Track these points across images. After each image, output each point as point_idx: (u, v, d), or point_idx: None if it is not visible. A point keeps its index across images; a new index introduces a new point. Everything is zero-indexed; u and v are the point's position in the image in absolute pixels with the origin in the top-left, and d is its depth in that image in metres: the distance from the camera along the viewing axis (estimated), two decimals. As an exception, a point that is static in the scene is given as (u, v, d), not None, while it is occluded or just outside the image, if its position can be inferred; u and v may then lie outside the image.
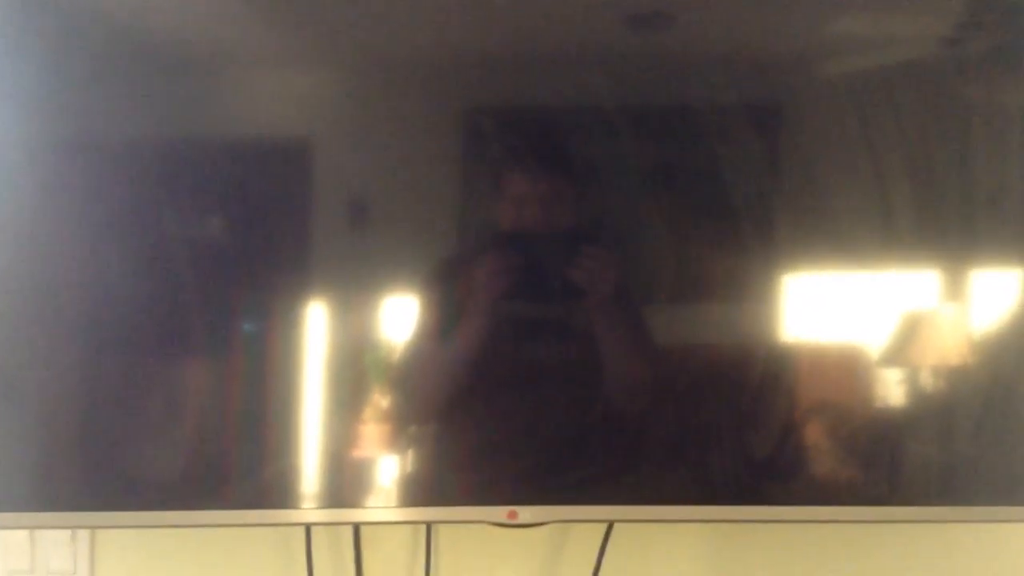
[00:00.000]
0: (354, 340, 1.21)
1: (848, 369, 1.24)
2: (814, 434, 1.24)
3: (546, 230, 1.22)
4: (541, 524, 1.22)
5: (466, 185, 1.23)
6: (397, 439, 1.22)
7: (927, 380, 1.24)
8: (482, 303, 1.21)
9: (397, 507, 1.22)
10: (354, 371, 1.21)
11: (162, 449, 1.20)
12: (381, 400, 1.22)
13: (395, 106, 1.21)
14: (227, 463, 1.21)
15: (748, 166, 1.22)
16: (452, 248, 1.24)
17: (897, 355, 1.23)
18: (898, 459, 1.24)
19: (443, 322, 1.22)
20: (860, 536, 1.37)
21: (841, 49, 1.22)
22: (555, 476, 1.23)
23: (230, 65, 1.21)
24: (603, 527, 1.33)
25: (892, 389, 1.24)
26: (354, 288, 1.21)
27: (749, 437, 1.24)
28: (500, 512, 1.21)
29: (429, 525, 1.35)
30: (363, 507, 1.22)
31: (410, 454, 1.23)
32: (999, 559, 1.37)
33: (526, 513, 1.21)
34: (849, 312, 1.22)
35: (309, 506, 1.20)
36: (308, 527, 1.32)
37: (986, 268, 1.22)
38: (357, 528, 1.34)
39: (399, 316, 1.21)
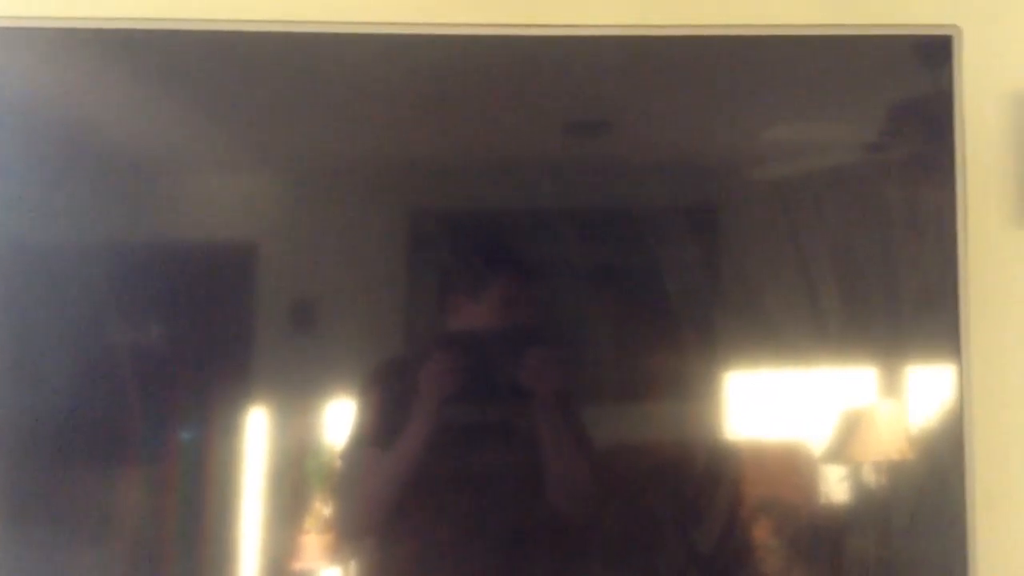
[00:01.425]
0: (295, 446, 1.18)
1: (789, 465, 1.26)
2: (758, 531, 1.24)
3: (491, 331, 1.22)
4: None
5: (411, 288, 1.23)
6: (338, 549, 1.18)
7: (866, 475, 1.26)
8: (427, 406, 1.19)
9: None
10: (295, 478, 1.18)
11: (95, 560, 1.14)
12: (322, 508, 1.19)
13: (340, 210, 1.21)
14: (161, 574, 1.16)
15: (686, 267, 1.24)
16: (396, 350, 1.23)
17: (837, 451, 1.25)
18: (839, 555, 1.25)
19: (386, 426, 1.19)
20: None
21: (772, 155, 1.26)
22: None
23: (173, 169, 1.20)
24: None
25: (833, 485, 1.25)
26: (296, 393, 1.18)
27: (694, 536, 1.23)
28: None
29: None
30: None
31: (352, 564, 1.19)
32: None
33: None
34: (788, 409, 1.24)
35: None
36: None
37: (916, 364, 1.26)
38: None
39: (342, 421, 1.19)
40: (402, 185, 1.22)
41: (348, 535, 1.19)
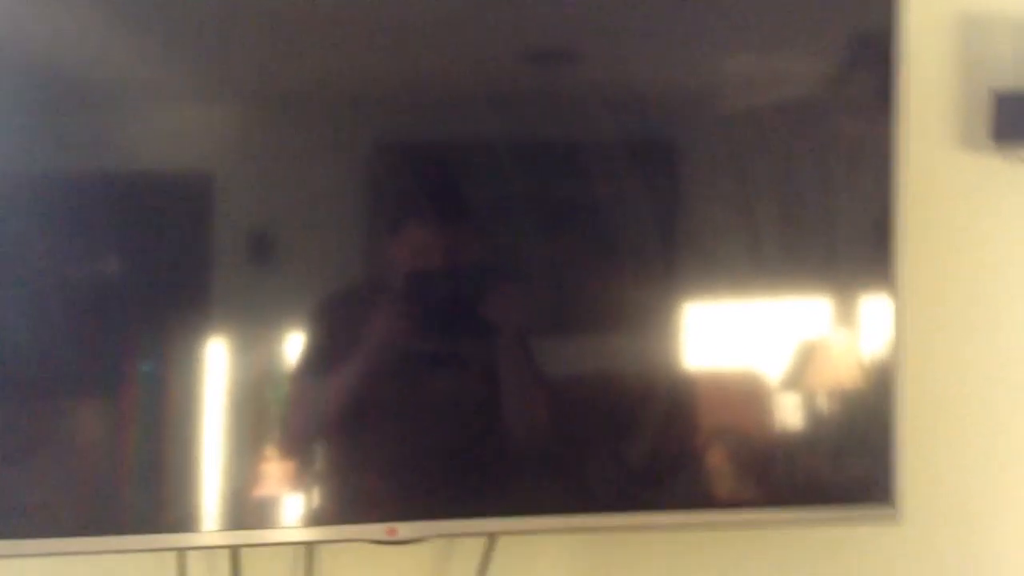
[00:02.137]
0: (255, 376, 1.19)
1: (743, 394, 1.28)
2: (690, 443, 1.28)
3: (449, 265, 1.22)
4: (421, 540, 1.22)
5: (369, 220, 1.23)
6: (278, 462, 1.20)
7: (799, 394, 1.29)
8: (379, 336, 1.20)
9: (272, 528, 1.20)
10: (255, 408, 1.19)
11: (55, 492, 1.15)
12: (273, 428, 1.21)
13: (298, 140, 1.19)
14: (92, 490, 1.17)
15: (643, 201, 1.24)
16: (354, 281, 1.23)
17: (791, 381, 1.28)
18: (768, 465, 1.29)
19: (338, 354, 1.20)
20: (736, 543, 1.41)
21: (734, 87, 1.26)
22: (435, 491, 1.23)
23: (128, 99, 1.17)
24: (485, 547, 1.33)
25: (786, 413, 1.28)
26: (255, 323, 1.18)
27: (626, 447, 1.26)
28: (379, 530, 1.20)
29: (310, 547, 1.32)
30: (238, 530, 1.19)
31: (288, 477, 1.21)
32: (868, 560, 1.44)
33: (406, 529, 1.20)
34: (742, 340, 1.27)
35: (180, 531, 1.17)
36: (182, 554, 1.28)
37: (859, 295, 1.28)
38: (235, 554, 1.31)
39: (300, 350, 1.20)
40: (360, 116, 1.20)
41: (288, 448, 1.21)
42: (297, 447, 1.21)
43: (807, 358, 1.28)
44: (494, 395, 1.22)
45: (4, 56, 1.14)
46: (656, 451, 1.27)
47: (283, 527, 1.20)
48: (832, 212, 1.27)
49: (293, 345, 1.19)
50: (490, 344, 1.22)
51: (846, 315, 1.28)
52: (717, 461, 1.28)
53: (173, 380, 1.16)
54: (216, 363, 1.17)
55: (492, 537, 1.33)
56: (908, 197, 1.28)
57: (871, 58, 1.27)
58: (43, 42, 1.15)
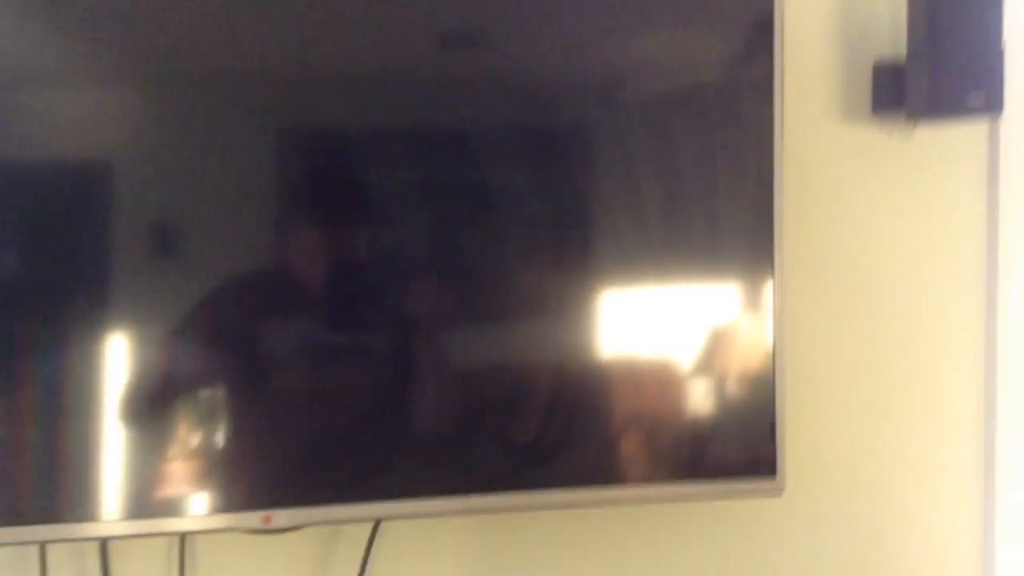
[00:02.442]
0: (157, 373, 1.14)
1: (655, 380, 1.28)
2: (576, 421, 1.26)
3: (353, 254, 1.19)
4: (298, 528, 1.17)
5: (273, 210, 1.18)
6: (151, 453, 1.14)
7: (687, 375, 1.28)
8: (269, 326, 1.17)
9: (139, 519, 1.13)
10: (158, 406, 1.14)
11: None
12: (188, 436, 1.16)
13: (198, 127, 1.14)
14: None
15: (549, 187, 1.23)
16: (253, 272, 1.18)
17: (699, 366, 1.27)
18: (655, 442, 1.28)
19: (226, 343, 1.17)
20: (628, 521, 1.40)
21: (640, 73, 1.25)
22: (313, 477, 1.19)
23: (22, 83, 1.10)
24: (369, 533, 1.29)
25: (651, 383, 1.28)
26: (157, 318, 1.13)
27: (513, 426, 1.24)
28: (254, 518, 1.15)
29: (182, 538, 1.26)
30: (103, 521, 1.13)
31: (160, 468, 1.15)
32: (756, 533, 1.45)
33: (282, 517, 1.16)
34: (654, 326, 1.26)
35: (40, 523, 1.11)
36: (43, 550, 1.21)
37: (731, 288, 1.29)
38: (103, 547, 1.24)
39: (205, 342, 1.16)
40: (264, 102, 1.16)
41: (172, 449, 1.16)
42: (174, 437, 1.15)
43: (698, 340, 1.28)
44: (385, 383, 1.19)
45: None
46: (543, 430, 1.26)
47: (152, 517, 1.14)
48: (717, 194, 1.27)
49: (191, 334, 1.15)
50: (391, 334, 1.19)
51: (731, 298, 1.28)
52: (604, 439, 1.27)
53: (69, 377, 1.11)
54: (113, 358, 1.12)
55: (377, 524, 1.29)
56: (792, 172, 1.29)
57: (753, 36, 1.27)
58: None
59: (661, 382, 1.28)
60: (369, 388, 1.20)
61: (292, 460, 1.18)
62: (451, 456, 1.22)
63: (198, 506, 1.15)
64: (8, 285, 1.11)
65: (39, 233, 1.11)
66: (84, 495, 1.12)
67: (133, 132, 1.14)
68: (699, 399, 1.28)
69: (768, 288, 1.28)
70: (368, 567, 1.30)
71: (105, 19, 1.12)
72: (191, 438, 1.16)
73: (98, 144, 1.13)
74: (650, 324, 1.26)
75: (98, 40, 1.12)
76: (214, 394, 1.17)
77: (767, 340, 1.28)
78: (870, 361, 1.45)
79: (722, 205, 1.28)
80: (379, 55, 1.19)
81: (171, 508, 1.14)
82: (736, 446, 1.29)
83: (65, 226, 1.11)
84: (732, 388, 1.29)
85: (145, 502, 1.14)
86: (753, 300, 1.28)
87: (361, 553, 1.30)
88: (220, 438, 1.17)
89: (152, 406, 1.15)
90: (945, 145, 1.44)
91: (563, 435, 1.26)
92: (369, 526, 1.30)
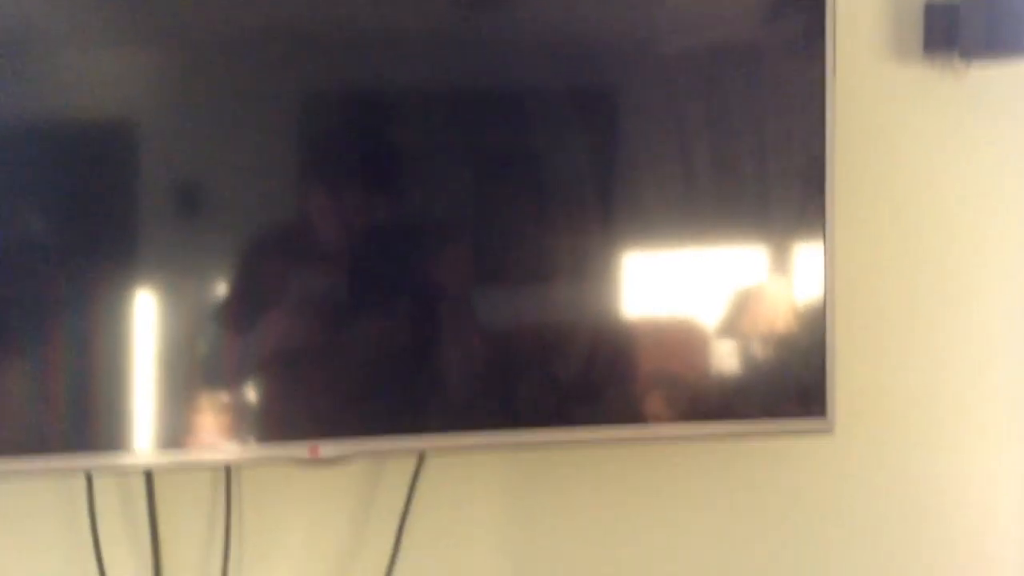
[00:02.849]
0: (186, 331, 1.14)
1: (682, 341, 1.27)
2: (624, 362, 1.26)
3: (379, 215, 1.18)
4: (345, 460, 1.17)
5: (300, 170, 1.18)
6: (196, 391, 1.15)
7: (740, 327, 1.27)
8: (307, 287, 1.17)
9: (186, 448, 1.14)
10: (187, 363, 1.15)
11: None
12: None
13: (226, 87, 1.14)
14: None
15: (581, 148, 1.22)
16: (282, 231, 1.18)
17: (727, 327, 1.26)
18: (703, 384, 1.28)
19: (265, 300, 1.17)
20: (665, 458, 1.39)
21: (668, 29, 1.23)
22: (360, 409, 1.19)
23: (50, 43, 1.10)
24: (414, 469, 1.29)
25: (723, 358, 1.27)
26: (184, 277, 1.14)
27: (558, 364, 1.24)
28: (301, 449, 1.15)
29: (228, 474, 1.27)
30: (147, 451, 1.14)
31: (205, 402, 1.15)
32: (804, 473, 1.43)
33: (329, 448, 1.16)
34: (680, 288, 1.26)
35: (88, 450, 1.12)
36: (90, 483, 1.22)
37: (785, 242, 1.28)
38: (149, 481, 1.25)
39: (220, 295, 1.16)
40: (290, 62, 1.15)
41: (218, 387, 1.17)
42: (216, 377, 1.16)
43: (749, 282, 1.27)
44: (427, 335, 1.19)
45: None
46: (590, 368, 1.25)
47: (198, 447, 1.14)
48: (766, 138, 1.26)
49: (218, 289, 1.15)
50: (423, 293, 1.19)
51: (783, 239, 1.27)
52: (650, 377, 1.26)
53: (98, 333, 1.11)
54: (143, 315, 1.13)
55: (421, 459, 1.29)
56: (840, 114, 1.27)
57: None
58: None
59: (710, 324, 1.26)
60: (417, 339, 1.20)
61: (338, 393, 1.18)
62: (497, 392, 1.22)
63: (245, 437, 1.16)
64: (38, 245, 1.11)
65: (68, 192, 1.11)
66: (128, 428, 1.13)
67: (161, 91, 1.14)
68: (749, 341, 1.27)
69: (820, 230, 1.27)
70: (411, 505, 1.30)
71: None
72: (236, 372, 1.17)
73: (125, 103, 1.13)
74: (699, 265, 1.25)
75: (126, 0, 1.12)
76: (259, 330, 1.17)
77: (819, 282, 1.27)
78: (923, 305, 1.43)
79: (772, 149, 1.26)
80: (402, 16, 1.17)
81: (217, 439, 1.15)
82: (786, 386, 1.28)
83: (93, 185, 1.12)
84: (783, 329, 1.28)
85: (190, 433, 1.14)
86: (805, 242, 1.27)
87: (402, 490, 1.30)
88: (266, 372, 1.17)
89: (198, 341, 1.15)
90: (1000, 85, 1.42)
91: (608, 373, 1.25)
92: (412, 466, 1.29)
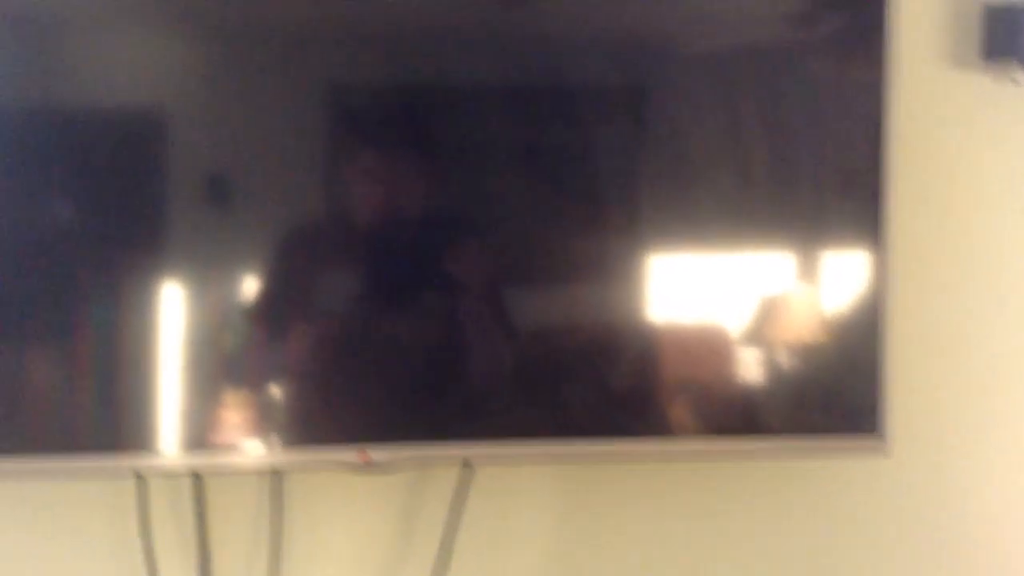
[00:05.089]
0: (214, 322, 1.15)
1: (708, 347, 1.25)
2: (674, 373, 1.25)
3: (408, 211, 1.18)
4: (394, 466, 1.16)
5: (329, 163, 1.18)
6: (240, 392, 1.15)
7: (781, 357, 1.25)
8: (339, 283, 1.18)
9: (236, 453, 1.14)
10: (215, 354, 1.15)
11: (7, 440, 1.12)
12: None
13: (257, 78, 1.15)
14: (51, 413, 1.13)
15: (613, 148, 1.21)
16: (312, 224, 1.19)
17: (754, 334, 1.25)
18: (753, 398, 1.26)
19: (299, 294, 1.17)
20: (715, 474, 1.37)
21: (702, 29, 1.22)
22: (409, 415, 1.18)
23: (77, 29, 1.11)
24: (458, 478, 1.28)
25: (749, 366, 1.25)
26: (213, 268, 1.14)
27: (607, 373, 1.23)
28: (351, 453, 1.15)
29: (277, 477, 1.26)
30: (198, 450, 1.14)
31: (254, 404, 1.16)
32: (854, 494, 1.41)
33: (378, 452, 1.15)
34: (708, 293, 1.24)
35: (139, 450, 1.13)
36: (142, 484, 1.22)
37: (837, 250, 1.26)
38: (198, 484, 1.25)
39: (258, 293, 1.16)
40: (322, 55, 1.15)
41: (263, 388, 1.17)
42: (263, 379, 1.16)
43: (805, 296, 1.26)
44: (463, 337, 1.19)
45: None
46: (638, 378, 1.23)
47: (248, 452, 1.14)
48: (824, 145, 1.24)
49: (252, 285, 1.15)
50: (455, 293, 1.19)
51: (838, 252, 1.26)
52: (701, 391, 1.25)
53: (129, 323, 1.12)
54: (172, 305, 1.13)
55: (467, 469, 1.28)
56: (896, 120, 1.24)
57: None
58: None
59: (757, 343, 1.25)
60: (456, 341, 1.19)
61: (388, 398, 1.18)
62: (545, 401, 1.21)
63: (295, 441, 1.15)
64: (68, 234, 1.12)
65: (98, 181, 1.12)
66: (177, 429, 1.14)
67: (190, 82, 1.14)
68: (802, 357, 1.25)
69: (874, 238, 1.24)
70: (459, 514, 1.29)
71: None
72: (285, 376, 1.17)
73: (154, 93, 1.14)
74: (750, 277, 1.24)
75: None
76: (311, 333, 1.18)
77: (874, 296, 1.24)
78: (980, 318, 1.40)
79: (826, 152, 1.25)
80: (435, 11, 1.17)
81: (267, 442, 1.15)
82: (840, 405, 1.26)
83: (123, 175, 1.12)
84: (837, 344, 1.25)
85: (240, 439, 1.14)
86: (859, 250, 1.25)
87: (447, 499, 1.29)
88: (316, 375, 1.17)
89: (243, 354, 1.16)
90: (1061, 92, 1.39)
91: (658, 386, 1.24)
92: (456, 477, 1.28)
